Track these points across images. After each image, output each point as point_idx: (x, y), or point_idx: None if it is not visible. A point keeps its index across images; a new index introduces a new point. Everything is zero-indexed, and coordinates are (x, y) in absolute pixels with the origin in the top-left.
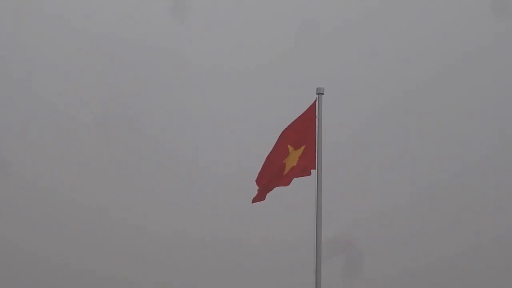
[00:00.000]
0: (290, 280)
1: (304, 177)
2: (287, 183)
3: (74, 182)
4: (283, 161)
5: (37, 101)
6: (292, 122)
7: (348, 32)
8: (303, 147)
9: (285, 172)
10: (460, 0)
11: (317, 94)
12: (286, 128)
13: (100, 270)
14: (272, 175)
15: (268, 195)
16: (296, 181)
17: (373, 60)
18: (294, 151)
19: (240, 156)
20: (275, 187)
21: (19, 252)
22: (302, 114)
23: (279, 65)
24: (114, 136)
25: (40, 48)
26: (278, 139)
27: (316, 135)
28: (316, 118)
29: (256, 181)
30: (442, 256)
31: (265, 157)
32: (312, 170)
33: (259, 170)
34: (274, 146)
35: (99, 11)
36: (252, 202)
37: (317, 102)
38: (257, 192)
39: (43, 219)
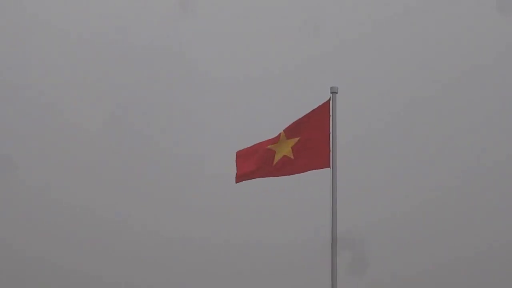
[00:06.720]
0: (295, 282)
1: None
2: (280, 173)
3: (76, 186)
4: (268, 146)
5: (39, 106)
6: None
7: (362, 32)
8: (296, 139)
9: (275, 161)
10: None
11: (331, 93)
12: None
13: (102, 274)
14: (257, 160)
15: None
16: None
17: (387, 60)
18: (286, 140)
19: None
20: (264, 176)
21: (24, 257)
22: (311, 111)
23: (291, 65)
24: (118, 140)
25: (40, 52)
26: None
27: (331, 134)
28: (331, 117)
29: (237, 153)
30: (458, 257)
31: None
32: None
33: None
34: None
35: (100, 13)
36: (236, 182)
37: (331, 101)
38: (237, 170)
39: (45, 223)
